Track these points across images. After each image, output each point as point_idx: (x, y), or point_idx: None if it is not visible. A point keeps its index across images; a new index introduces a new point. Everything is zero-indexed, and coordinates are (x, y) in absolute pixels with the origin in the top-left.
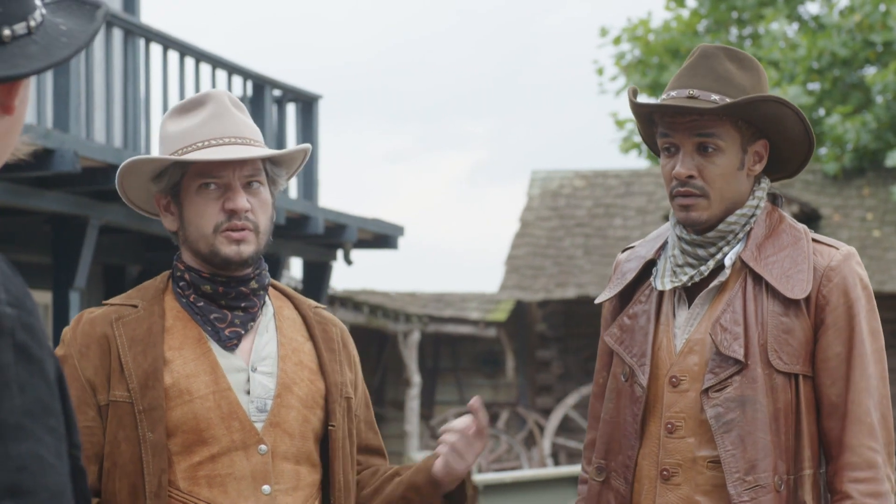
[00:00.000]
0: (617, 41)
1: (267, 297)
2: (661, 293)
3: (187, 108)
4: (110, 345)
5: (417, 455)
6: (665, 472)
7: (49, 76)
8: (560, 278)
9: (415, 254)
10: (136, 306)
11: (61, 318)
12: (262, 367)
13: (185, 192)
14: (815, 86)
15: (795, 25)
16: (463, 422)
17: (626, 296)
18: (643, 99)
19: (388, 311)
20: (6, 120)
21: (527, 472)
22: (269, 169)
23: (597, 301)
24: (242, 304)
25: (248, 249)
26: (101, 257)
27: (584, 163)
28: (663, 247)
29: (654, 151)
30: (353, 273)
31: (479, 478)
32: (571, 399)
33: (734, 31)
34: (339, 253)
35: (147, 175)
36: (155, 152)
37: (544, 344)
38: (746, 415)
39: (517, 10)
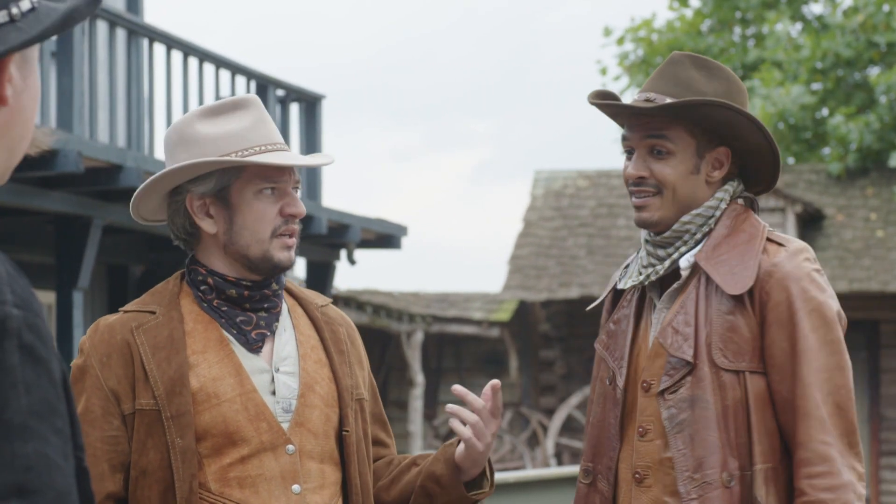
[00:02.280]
0: (620, 41)
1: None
2: (642, 298)
3: (222, 110)
4: (132, 353)
5: None
6: (637, 475)
7: (52, 76)
8: (563, 278)
9: (418, 253)
10: (154, 312)
11: (65, 318)
12: (285, 367)
13: (238, 196)
14: (818, 86)
15: (799, 26)
16: (478, 400)
17: (616, 303)
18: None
19: (392, 311)
20: (4, 111)
21: (530, 472)
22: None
23: (587, 309)
24: (265, 306)
25: (294, 255)
26: (105, 257)
27: (587, 162)
28: (638, 252)
29: None
30: (356, 273)
31: None
32: (575, 399)
33: (737, 30)
34: (343, 253)
35: (170, 185)
36: (160, 154)
37: (548, 344)
38: (695, 414)
39: (520, 8)
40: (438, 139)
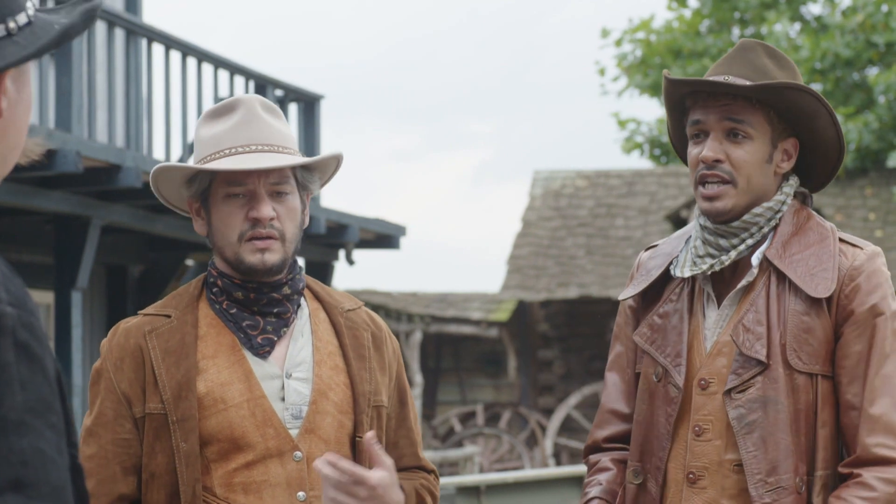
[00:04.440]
0: (618, 43)
1: (303, 300)
2: (692, 293)
3: (219, 112)
4: (144, 357)
5: None
6: (692, 476)
7: (51, 76)
8: (562, 278)
9: (417, 254)
10: (169, 316)
11: (63, 318)
12: (298, 372)
13: (212, 199)
14: (817, 86)
15: (798, 26)
16: (334, 473)
17: (649, 295)
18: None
19: (391, 311)
20: None
21: (529, 472)
22: (300, 175)
23: (620, 298)
24: (275, 310)
25: (272, 258)
26: (104, 257)
27: (586, 163)
28: (688, 241)
29: (677, 146)
30: (355, 273)
31: (480, 477)
32: (573, 399)
33: (736, 31)
34: (342, 253)
35: (178, 180)
36: (158, 154)
37: (546, 344)
38: (768, 416)
39: (521, 10)
40: (439, 140)
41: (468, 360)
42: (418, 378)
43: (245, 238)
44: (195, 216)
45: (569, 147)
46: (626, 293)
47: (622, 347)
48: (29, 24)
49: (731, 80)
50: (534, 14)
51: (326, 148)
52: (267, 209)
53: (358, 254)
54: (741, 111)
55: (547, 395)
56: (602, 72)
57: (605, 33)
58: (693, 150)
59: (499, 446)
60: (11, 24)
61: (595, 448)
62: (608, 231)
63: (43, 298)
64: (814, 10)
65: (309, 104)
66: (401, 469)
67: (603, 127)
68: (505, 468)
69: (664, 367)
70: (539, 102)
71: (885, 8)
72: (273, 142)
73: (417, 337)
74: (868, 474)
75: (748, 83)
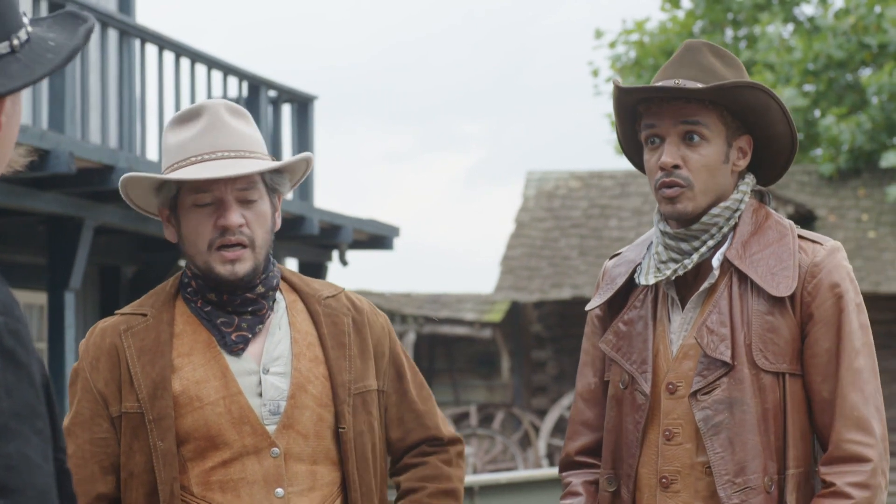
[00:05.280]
0: (612, 45)
1: (279, 292)
2: (656, 298)
3: (184, 118)
4: (119, 356)
5: None
6: (664, 480)
7: None
8: (555, 279)
9: (410, 255)
10: (145, 315)
11: (56, 319)
12: (275, 367)
13: (181, 208)
14: (810, 87)
15: (791, 27)
16: None
17: (616, 302)
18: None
19: (384, 311)
20: None
21: (522, 473)
22: (269, 179)
23: (587, 308)
24: (250, 308)
25: (243, 268)
26: (97, 258)
27: (580, 164)
28: (650, 248)
29: (629, 153)
30: (348, 274)
31: (474, 478)
32: (567, 400)
33: (729, 32)
34: (335, 254)
35: (147, 188)
36: (151, 155)
37: (540, 345)
38: (735, 416)
39: (514, 12)
40: (432, 141)
41: (461, 360)
42: None
43: (214, 247)
44: (166, 223)
45: (562, 148)
46: (593, 303)
47: (590, 356)
48: (28, 41)
49: (682, 83)
50: (528, 16)
51: (319, 148)
52: (235, 216)
53: (351, 254)
54: (695, 113)
55: (540, 395)
56: (595, 73)
57: (598, 34)
58: (650, 157)
59: (492, 447)
60: (15, 42)
61: (568, 462)
62: (602, 232)
63: (36, 299)
64: (807, 11)
65: (302, 105)
66: (411, 445)
67: (596, 128)
68: (498, 469)
69: (630, 374)
70: (532, 104)
71: (877, 9)
72: (239, 147)
73: (411, 338)
74: (841, 481)
75: (699, 85)
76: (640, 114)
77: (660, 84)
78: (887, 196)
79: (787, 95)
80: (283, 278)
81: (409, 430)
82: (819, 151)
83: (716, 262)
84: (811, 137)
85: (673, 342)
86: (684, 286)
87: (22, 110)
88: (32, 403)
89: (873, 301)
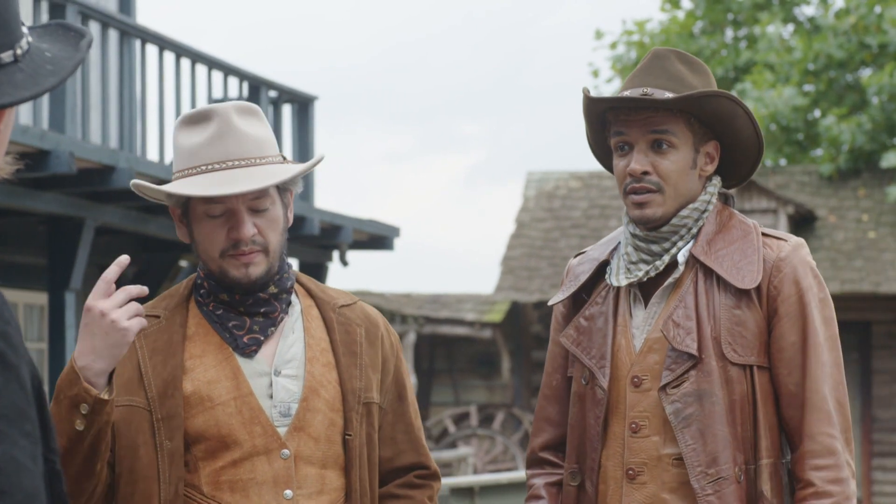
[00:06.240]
0: (613, 46)
1: (295, 296)
2: (617, 294)
3: (195, 119)
4: (131, 354)
5: None
6: (630, 472)
7: None
8: (555, 279)
9: (411, 255)
10: (158, 317)
11: (57, 319)
12: (287, 370)
13: (192, 214)
14: (810, 87)
15: (791, 27)
16: None
17: (578, 299)
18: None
19: (384, 312)
20: None
21: (522, 473)
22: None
23: (550, 303)
24: (262, 310)
25: (257, 271)
26: (97, 258)
27: (580, 164)
28: (616, 248)
29: (600, 156)
30: (348, 274)
31: (474, 479)
32: None
33: (729, 32)
34: (335, 254)
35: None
36: (152, 155)
37: (540, 345)
38: (704, 408)
39: (514, 13)
40: (432, 141)
41: (462, 361)
42: (412, 379)
43: (227, 255)
44: (178, 223)
45: (562, 148)
46: (555, 298)
47: (553, 353)
48: (28, 51)
49: (650, 91)
50: (528, 17)
51: (320, 148)
52: (247, 228)
53: (352, 255)
54: (663, 122)
55: None
56: (596, 73)
57: (599, 35)
58: (619, 163)
59: (492, 447)
60: (18, 51)
61: (533, 458)
62: (602, 232)
63: (36, 299)
64: (807, 11)
65: (303, 105)
66: (399, 468)
67: None
68: (499, 469)
69: (590, 370)
70: (532, 104)
71: (878, 9)
72: (250, 154)
73: (411, 338)
74: (818, 476)
75: (668, 94)
76: (610, 121)
77: (628, 94)
78: (887, 196)
79: (787, 95)
80: (301, 283)
81: (400, 451)
82: (819, 152)
83: (681, 257)
84: (811, 137)
85: (636, 336)
86: (647, 282)
87: (15, 117)
88: (21, 406)
89: (873, 301)
